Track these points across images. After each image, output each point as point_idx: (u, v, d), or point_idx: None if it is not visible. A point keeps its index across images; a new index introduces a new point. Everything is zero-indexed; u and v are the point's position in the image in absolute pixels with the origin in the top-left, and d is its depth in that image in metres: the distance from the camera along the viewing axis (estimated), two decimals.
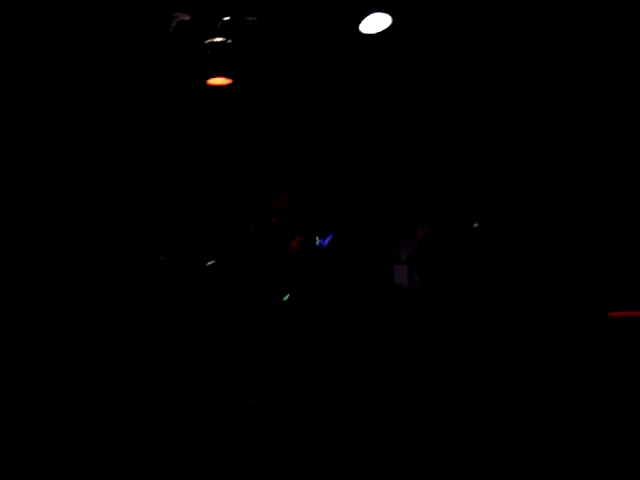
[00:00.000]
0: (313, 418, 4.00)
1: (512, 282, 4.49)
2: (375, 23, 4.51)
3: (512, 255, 4.68)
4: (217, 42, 4.71)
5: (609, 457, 3.32)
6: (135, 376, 4.64)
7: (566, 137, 5.02)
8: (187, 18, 4.63)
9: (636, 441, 3.40)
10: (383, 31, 4.55)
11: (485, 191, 5.27)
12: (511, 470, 3.35)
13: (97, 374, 4.71)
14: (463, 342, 4.22)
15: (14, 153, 4.88)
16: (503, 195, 5.13)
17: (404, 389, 4.42)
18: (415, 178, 5.86)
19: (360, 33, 4.58)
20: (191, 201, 5.10)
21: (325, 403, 4.10)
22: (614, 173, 4.90)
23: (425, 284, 4.68)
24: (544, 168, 5.06)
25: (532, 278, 4.54)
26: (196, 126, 5.78)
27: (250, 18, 4.62)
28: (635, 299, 4.45)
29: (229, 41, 4.69)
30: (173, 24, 4.63)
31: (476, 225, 4.50)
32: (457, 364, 4.17)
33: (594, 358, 3.89)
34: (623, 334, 3.86)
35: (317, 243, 5.66)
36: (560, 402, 3.85)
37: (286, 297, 4.41)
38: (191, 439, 3.92)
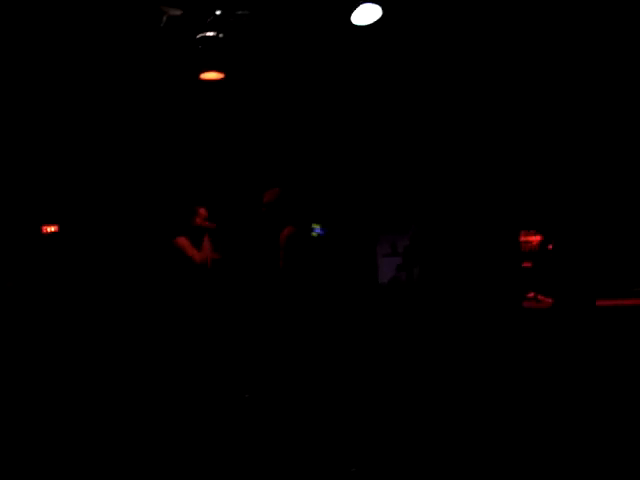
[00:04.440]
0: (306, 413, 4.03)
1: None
2: (366, 14, 4.50)
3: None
4: (209, 36, 4.70)
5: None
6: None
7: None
8: (178, 13, 4.63)
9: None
10: (375, 23, 4.54)
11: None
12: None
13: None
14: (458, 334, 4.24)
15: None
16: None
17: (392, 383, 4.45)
18: (418, 171, 5.84)
19: (352, 24, 4.57)
20: (184, 195, 5.13)
21: (315, 399, 4.13)
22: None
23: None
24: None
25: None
26: (189, 121, 5.78)
27: (241, 12, 4.61)
28: (634, 288, 4.45)
29: (221, 35, 4.69)
30: (164, 19, 4.63)
31: None
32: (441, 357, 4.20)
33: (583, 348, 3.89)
34: (615, 323, 3.85)
35: (316, 231, 5.67)
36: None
37: None
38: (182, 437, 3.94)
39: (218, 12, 4.59)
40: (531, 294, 4.65)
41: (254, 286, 4.78)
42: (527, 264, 4.78)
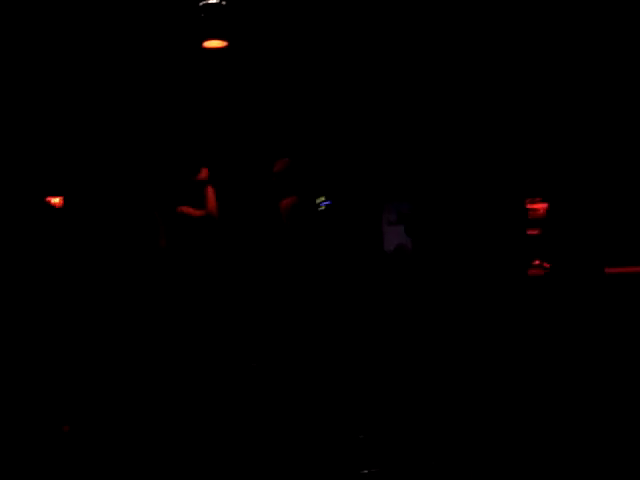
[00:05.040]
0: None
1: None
2: None
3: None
4: (212, 4, 4.63)
5: None
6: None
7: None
8: None
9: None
10: None
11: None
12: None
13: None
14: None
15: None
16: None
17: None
18: (423, 139, 5.79)
19: None
20: (191, 166, 5.10)
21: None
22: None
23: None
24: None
25: None
26: (193, 91, 5.73)
27: None
28: None
29: (224, 3, 4.62)
30: None
31: None
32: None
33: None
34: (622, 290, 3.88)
35: (323, 204, 5.70)
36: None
37: None
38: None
39: None
40: (537, 262, 4.68)
41: (261, 257, 4.81)
42: (533, 231, 4.79)
